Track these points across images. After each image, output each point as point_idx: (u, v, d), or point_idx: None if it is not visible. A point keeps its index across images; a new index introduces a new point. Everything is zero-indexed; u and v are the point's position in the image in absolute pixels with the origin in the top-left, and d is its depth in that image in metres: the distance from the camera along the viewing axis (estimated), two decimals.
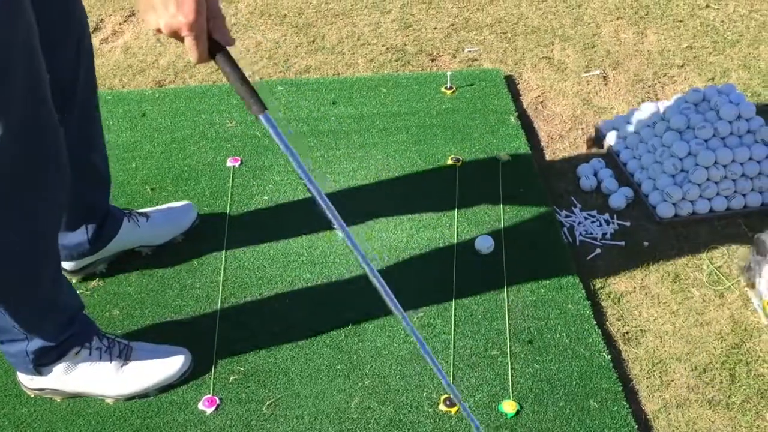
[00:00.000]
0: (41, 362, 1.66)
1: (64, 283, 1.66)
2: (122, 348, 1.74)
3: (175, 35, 1.17)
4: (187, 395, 1.75)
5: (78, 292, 1.96)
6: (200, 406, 1.73)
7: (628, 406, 1.73)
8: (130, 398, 1.73)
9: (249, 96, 1.20)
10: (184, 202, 2.14)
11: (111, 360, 1.72)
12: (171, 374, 1.74)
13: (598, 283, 2.04)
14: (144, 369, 1.73)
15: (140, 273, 2.04)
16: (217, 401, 1.74)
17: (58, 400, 1.74)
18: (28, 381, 1.72)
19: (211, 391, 1.76)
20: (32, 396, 1.75)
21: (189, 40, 1.17)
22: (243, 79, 1.20)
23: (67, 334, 1.66)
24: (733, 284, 2.03)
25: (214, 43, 1.21)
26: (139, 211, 2.05)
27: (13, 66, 1.27)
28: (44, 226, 1.50)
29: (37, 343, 1.62)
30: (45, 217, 1.48)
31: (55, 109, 1.42)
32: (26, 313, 1.56)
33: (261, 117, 1.22)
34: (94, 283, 2.01)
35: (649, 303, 1.99)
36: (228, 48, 1.22)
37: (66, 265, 1.93)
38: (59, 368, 1.69)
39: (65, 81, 1.61)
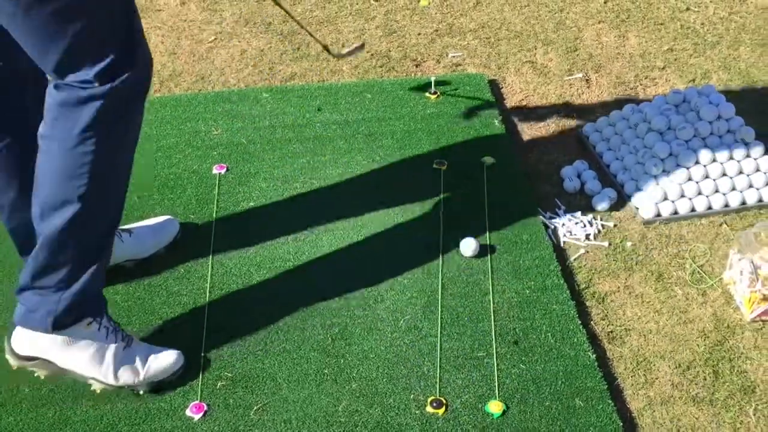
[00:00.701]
0: (61, 318, 1.65)
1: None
2: (125, 336, 1.77)
3: None
4: (175, 402, 1.75)
5: None
6: (188, 412, 1.73)
7: (613, 404, 1.75)
8: (119, 388, 1.73)
9: None
10: (166, 216, 2.15)
11: (115, 341, 1.73)
12: (166, 366, 1.76)
13: (582, 283, 2.06)
14: (141, 358, 1.75)
15: (127, 281, 2.04)
16: (205, 407, 1.74)
17: (42, 377, 1.72)
18: (25, 346, 1.68)
19: (199, 397, 1.76)
20: (15, 368, 1.70)
21: None
22: None
23: (96, 291, 1.70)
24: (715, 282, 2.06)
25: None
26: (122, 227, 2.05)
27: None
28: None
29: (70, 293, 1.63)
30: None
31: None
32: (93, 244, 1.64)
33: None
34: None
35: (632, 302, 2.01)
36: None
37: None
38: (66, 334, 1.68)
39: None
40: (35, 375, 1.74)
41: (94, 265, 1.66)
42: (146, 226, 2.10)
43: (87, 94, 1.49)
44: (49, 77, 1.53)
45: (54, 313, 1.65)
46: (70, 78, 1.47)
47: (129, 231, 2.05)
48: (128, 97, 1.56)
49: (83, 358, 1.71)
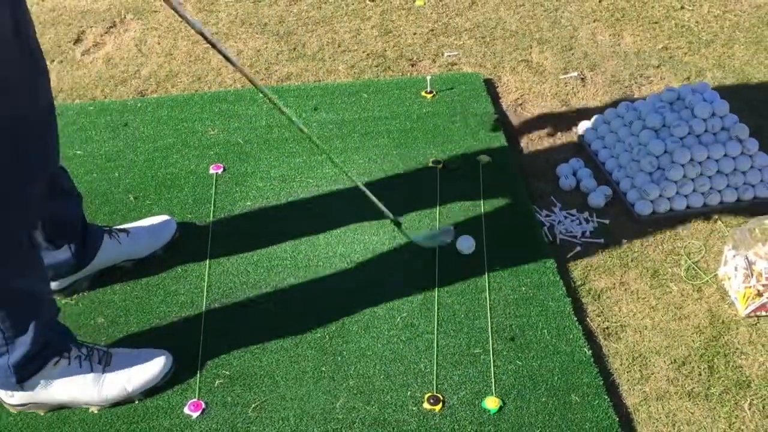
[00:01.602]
0: (22, 375, 1.66)
1: (45, 279, 1.69)
2: (101, 355, 1.75)
3: None
4: (173, 400, 1.76)
5: (63, 301, 1.98)
6: (186, 410, 1.74)
7: (609, 399, 1.76)
8: (115, 404, 1.74)
9: None
10: (164, 216, 2.15)
11: (91, 368, 1.72)
12: (153, 376, 1.75)
13: (578, 280, 2.07)
14: (125, 374, 1.74)
15: (124, 281, 2.05)
16: (203, 405, 1.75)
17: (42, 414, 1.74)
18: (9, 398, 1.71)
19: (197, 395, 1.77)
20: (15, 413, 1.74)
21: None
22: None
23: (45, 339, 1.66)
24: (710, 278, 2.07)
25: None
26: (118, 227, 2.06)
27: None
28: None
29: (17, 354, 1.62)
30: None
31: None
32: (12, 311, 1.58)
33: None
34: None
35: (628, 299, 2.02)
36: None
37: (52, 285, 1.93)
38: (40, 382, 1.69)
39: None
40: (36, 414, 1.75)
41: (30, 321, 1.62)
42: (143, 226, 2.11)
43: None
44: None
45: (12, 374, 1.64)
46: None
47: (126, 231, 2.06)
48: None
49: (69, 392, 1.71)
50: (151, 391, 1.76)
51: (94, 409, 1.74)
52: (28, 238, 1.62)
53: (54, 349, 1.70)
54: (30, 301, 1.64)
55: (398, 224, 1.87)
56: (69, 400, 1.72)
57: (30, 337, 1.63)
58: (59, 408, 1.74)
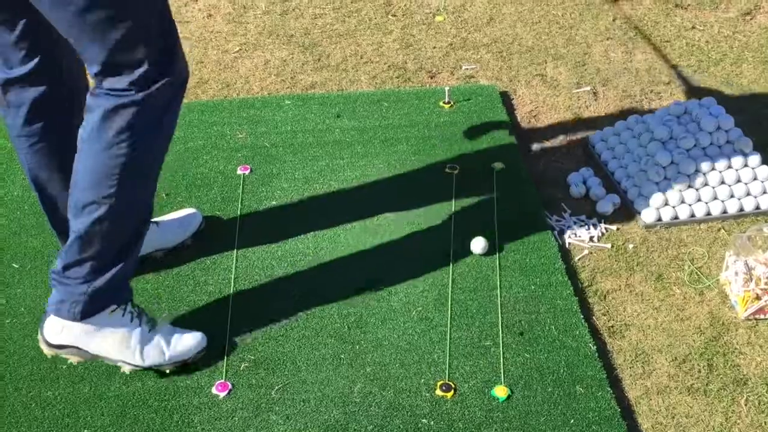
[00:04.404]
0: (89, 309, 1.77)
1: (144, 228, 1.84)
2: (149, 319, 1.88)
3: None
4: (202, 380, 1.88)
5: None
6: (214, 390, 1.86)
7: (612, 392, 1.86)
8: (147, 368, 1.85)
9: None
10: (190, 209, 2.29)
11: (140, 325, 1.84)
12: (189, 348, 1.88)
13: (585, 281, 2.18)
14: (164, 342, 1.86)
15: (156, 272, 2.18)
16: (230, 386, 1.87)
17: (74, 362, 1.85)
18: (55, 334, 1.79)
19: (224, 377, 1.89)
20: (50, 356, 1.83)
21: None
22: None
23: (119, 284, 1.80)
24: (712, 283, 2.17)
25: None
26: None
27: None
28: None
29: (96, 284, 1.74)
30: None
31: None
32: (129, 233, 1.75)
33: None
34: None
35: (633, 300, 2.13)
36: None
37: None
38: (92, 322, 1.79)
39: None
40: (68, 362, 1.87)
41: (122, 261, 1.77)
42: (171, 219, 2.25)
43: (122, 101, 1.58)
44: (89, 79, 1.66)
45: (81, 304, 1.77)
46: (108, 84, 1.58)
47: (156, 223, 2.19)
48: (162, 106, 1.65)
49: (111, 343, 1.83)
50: (182, 365, 1.88)
51: (126, 369, 1.85)
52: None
53: (119, 296, 1.83)
54: (130, 242, 1.78)
55: None
56: (106, 353, 1.83)
57: (112, 275, 1.76)
58: (94, 359, 1.84)
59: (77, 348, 1.82)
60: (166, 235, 2.20)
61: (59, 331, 1.80)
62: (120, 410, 1.82)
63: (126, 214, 1.73)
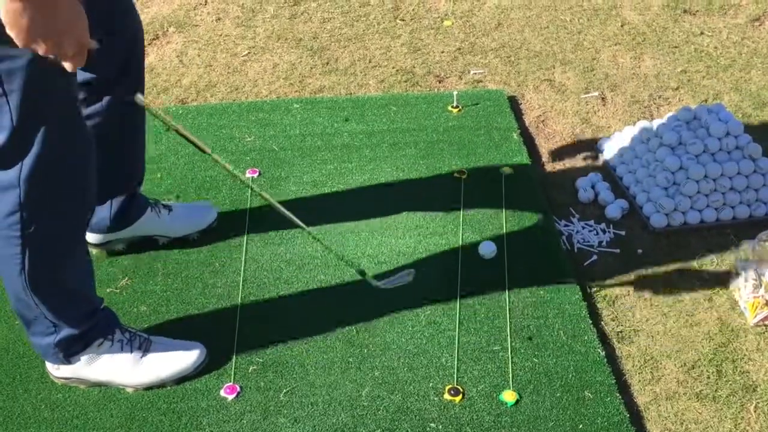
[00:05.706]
0: (68, 353, 1.80)
1: (90, 277, 1.80)
2: (142, 341, 1.88)
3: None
4: (210, 383, 1.88)
5: (108, 290, 2.12)
6: (222, 393, 1.86)
7: (620, 397, 1.85)
8: (148, 388, 1.86)
9: None
10: (208, 204, 2.29)
11: (131, 351, 1.85)
12: (186, 366, 1.87)
13: (594, 286, 2.18)
14: (161, 361, 1.86)
15: (165, 274, 2.18)
16: (238, 389, 1.87)
17: (83, 388, 1.87)
18: (55, 370, 1.86)
19: (232, 380, 1.89)
20: (59, 384, 1.88)
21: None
22: None
23: (91, 324, 1.80)
24: (721, 289, 2.16)
25: None
26: (164, 202, 2.21)
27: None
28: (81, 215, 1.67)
29: (64, 333, 1.76)
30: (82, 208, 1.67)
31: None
32: (54, 302, 1.70)
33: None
34: (123, 282, 2.15)
35: (642, 305, 2.12)
36: None
37: (89, 237, 2.09)
38: (84, 359, 1.82)
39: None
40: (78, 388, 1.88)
41: (74, 307, 1.75)
42: (186, 207, 2.27)
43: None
44: None
45: (60, 351, 1.79)
46: None
47: (169, 208, 2.21)
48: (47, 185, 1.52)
49: (109, 371, 1.84)
50: (182, 379, 1.88)
51: (129, 390, 1.87)
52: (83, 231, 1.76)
53: (99, 331, 1.83)
54: (77, 295, 1.77)
55: (363, 273, 1.88)
56: (107, 379, 1.85)
57: (75, 323, 1.77)
58: (98, 385, 1.87)
59: (80, 378, 1.86)
60: (174, 224, 2.21)
61: (57, 368, 1.85)
62: (129, 412, 1.82)
63: (47, 273, 1.64)
